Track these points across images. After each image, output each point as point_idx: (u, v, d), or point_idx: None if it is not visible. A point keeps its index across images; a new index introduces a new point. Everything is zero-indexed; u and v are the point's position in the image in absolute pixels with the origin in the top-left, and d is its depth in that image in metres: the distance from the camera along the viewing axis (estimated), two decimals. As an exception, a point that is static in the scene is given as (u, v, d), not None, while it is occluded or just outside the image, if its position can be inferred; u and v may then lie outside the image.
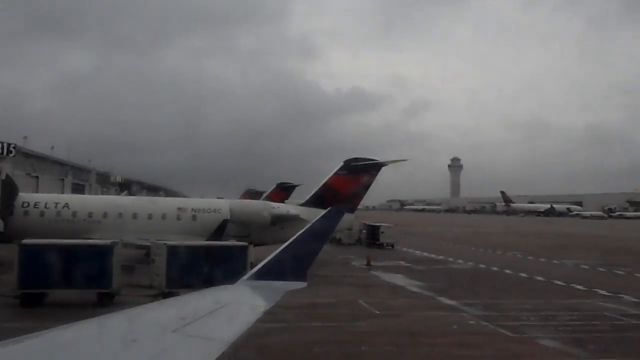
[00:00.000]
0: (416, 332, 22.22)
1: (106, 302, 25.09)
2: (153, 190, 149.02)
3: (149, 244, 31.85)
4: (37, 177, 69.13)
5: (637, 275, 41.42)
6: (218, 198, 50.65)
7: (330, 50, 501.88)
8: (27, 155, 68.18)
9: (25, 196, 41.44)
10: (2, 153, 44.33)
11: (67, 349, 4.31)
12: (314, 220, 10.09)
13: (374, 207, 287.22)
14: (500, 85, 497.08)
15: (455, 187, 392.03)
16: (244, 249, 28.65)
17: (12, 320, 22.18)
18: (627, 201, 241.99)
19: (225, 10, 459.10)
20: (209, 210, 42.25)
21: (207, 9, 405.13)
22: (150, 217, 41.20)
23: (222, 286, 8.11)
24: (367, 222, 67.01)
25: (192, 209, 42.56)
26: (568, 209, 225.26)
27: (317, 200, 42.78)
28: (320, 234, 10.31)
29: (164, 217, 41.42)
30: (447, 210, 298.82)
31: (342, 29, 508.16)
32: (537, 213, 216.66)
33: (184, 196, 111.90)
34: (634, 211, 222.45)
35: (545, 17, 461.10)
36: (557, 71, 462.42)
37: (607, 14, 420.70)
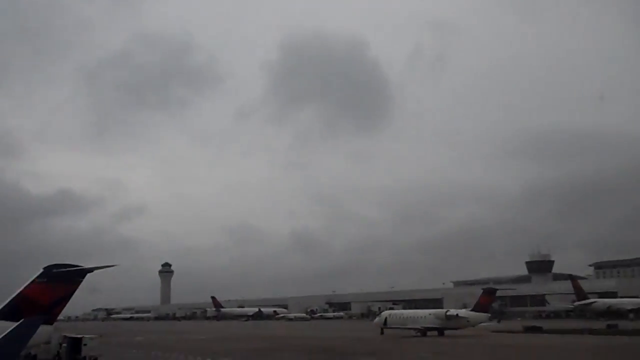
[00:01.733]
0: None
1: None
2: None
3: None
4: None
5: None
6: None
7: (35, 149, 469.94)
8: None
9: None
10: None
11: None
12: (4, 333, 9.08)
13: (76, 317, 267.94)
14: (212, 192, 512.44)
15: (166, 293, 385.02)
16: None
17: None
18: (327, 302, 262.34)
19: None
20: None
21: None
22: None
23: None
24: (68, 335, 61.83)
25: None
26: (274, 311, 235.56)
27: (10, 312, 38.29)
28: (12, 349, 9.29)
29: None
30: (156, 318, 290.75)
31: (50, 127, 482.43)
32: (246, 317, 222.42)
33: None
34: (333, 311, 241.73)
35: (256, 129, 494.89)
36: (266, 180, 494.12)
37: (310, 131, 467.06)
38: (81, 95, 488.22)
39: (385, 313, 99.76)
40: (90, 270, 43.60)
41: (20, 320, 9.53)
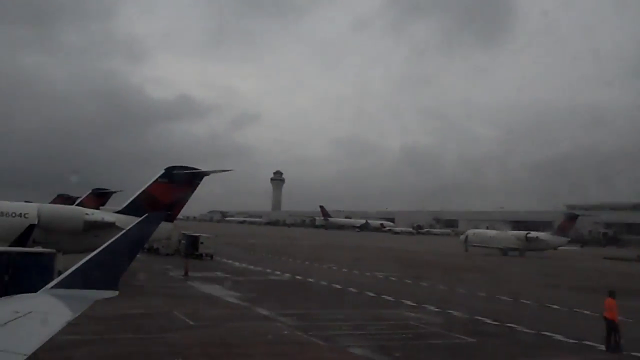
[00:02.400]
0: (230, 343, 22.19)
1: None
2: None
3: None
4: None
5: (439, 287, 44.79)
6: (26, 202, 46.89)
7: (159, 55, 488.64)
8: None
9: None
10: None
11: None
12: (128, 227, 9.76)
13: (194, 217, 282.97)
14: (325, 103, 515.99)
15: (277, 200, 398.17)
16: (50, 257, 26.84)
17: None
18: (434, 219, 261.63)
19: (47, 2, 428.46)
20: (13, 214, 39.02)
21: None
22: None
23: (21, 295, 7.57)
24: (187, 232, 65.93)
25: (-6, 212, 39.04)
26: (381, 224, 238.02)
27: (135, 208, 41.16)
28: (135, 242, 9.98)
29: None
30: (268, 223, 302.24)
31: (172, 34, 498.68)
32: (358, 229, 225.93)
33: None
34: (440, 228, 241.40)
35: (372, 41, 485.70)
36: (379, 94, 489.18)
37: (428, 44, 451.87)
38: (202, 3, 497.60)
39: (469, 232, 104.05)
40: (207, 173, 45.69)
41: (144, 215, 10.16)
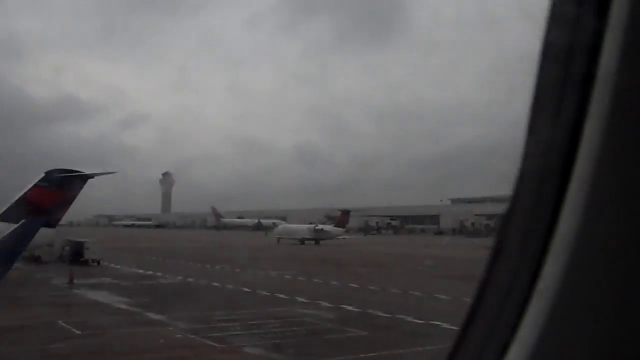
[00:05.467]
0: (121, 350, 21.49)
1: None
2: None
3: None
4: None
5: (332, 282, 45.44)
6: None
7: (41, 54, 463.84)
8: None
9: None
10: None
11: None
12: (5, 234, 9.18)
13: (79, 222, 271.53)
14: (216, 102, 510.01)
15: (167, 201, 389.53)
16: None
17: None
18: (326, 216, 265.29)
19: None
20: None
21: None
22: None
23: None
24: (71, 238, 63.08)
25: None
26: (274, 223, 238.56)
27: (11, 215, 38.77)
28: (12, 249, 9.43)
29: None
30: (157, 226, 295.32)
31: (57, 31, 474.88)
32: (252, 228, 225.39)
33: None
34: (331, 225, 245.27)
35: (265, 39, 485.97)
36: (272, 91, 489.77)
37: (321, 42, 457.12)
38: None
39: (279, 227, 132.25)
40: (92, 175, 43.87)
41: (21, 221, 9.59)
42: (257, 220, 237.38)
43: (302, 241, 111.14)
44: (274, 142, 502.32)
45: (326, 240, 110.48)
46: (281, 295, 36.81)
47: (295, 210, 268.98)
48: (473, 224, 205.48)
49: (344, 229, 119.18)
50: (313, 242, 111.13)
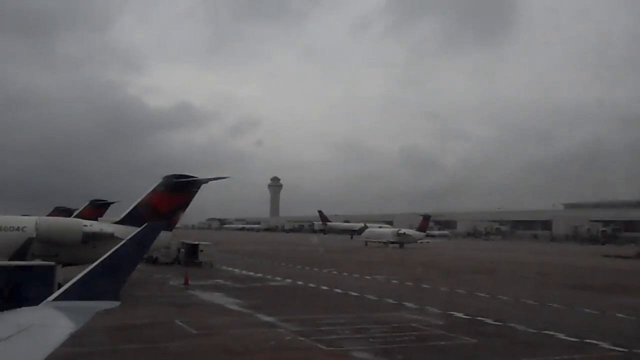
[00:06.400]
0: (233, 350, 22.10)
1: None
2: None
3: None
4: None
5: (441, 288, 44.71)
6: (24, 215, 46.75)
7: (156, 64, 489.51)
8: None
9: None
10: None
11: None
12: (128, 237, 9.70)
13: (193, 225, 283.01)
14: (323, 108, 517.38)
15: (275, 206, 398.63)
16: (50, 269, 26.72)
17: None
18: (432, 220, 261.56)
19: (43, 13, 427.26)
20: (11, 228, 38.91)
21: (20, 9, 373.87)
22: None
23: (23, 308, 7.49)
24: (186, 241, 65.82)
25: (-9, 227, 39.01)
26: (379, 227, 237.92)
27: (133, 218, 41.07)
28: (135, 252, 9.92)
29: (-43, 237, 37.59)
30: (266, 229, 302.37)
31: (170, 42, 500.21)
32: (351, 232, 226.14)
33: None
34: (438, 229, 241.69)
35: (371, 44, 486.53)
36: (379, 96, 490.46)
37: (428, 45, 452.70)
38: (199, 9, 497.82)
39: (367, 230, 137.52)
40: (205, 181, 45.61)
41: (144, 225, 10.10)
42: (362, 224, 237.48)
43: (386, 244, 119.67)
44: (380, 147, 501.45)
45: (409, 243, 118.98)
46: (389, 300, 36.67)
47: (401, 214, 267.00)
48: (588, 230, 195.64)
49: (425, 233, 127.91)
50: (397, 245, 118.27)
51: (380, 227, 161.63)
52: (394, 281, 49.40)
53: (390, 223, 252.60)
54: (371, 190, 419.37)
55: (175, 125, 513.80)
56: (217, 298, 37.21)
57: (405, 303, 35.17)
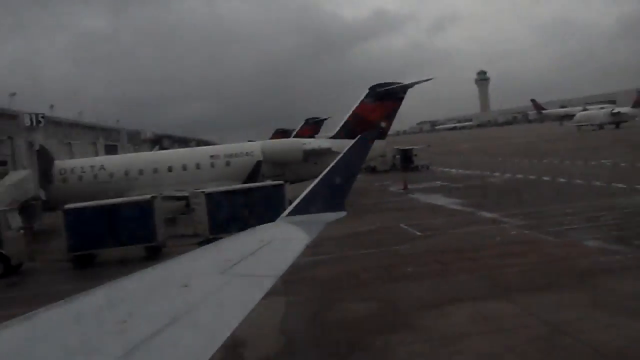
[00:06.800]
0: (459, 248, 22.37)
1: (154, 255, 25.63)
2: (184, 142, 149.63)
3: (187, 195, 32.49)
4: (69, 143, 70.09)
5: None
6: (249, 141, 50.83)
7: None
8: (57, 124, 68.66)
9: (61, 163, 42.45)
10: (32, 124, 44.64)
11: (125, 298, 4.48)
12: (344, 151, 10.10)
13: (404, 131, 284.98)
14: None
15: (484, 100, 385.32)
16: (280, 188, 29.02)
17: (66, 282, 23.05)
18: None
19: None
20: (241, 155, 42.64)
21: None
22: (184, 168, 41.81)
23: (263, 225, 8.24)
24: (399, 147, 66.72)
25: (225, 155, 42.98)
26: (602, 108, 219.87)
27: (346, 131, 42.60)
28: (353, 163, 10.33)
29: (198, 166, 41.98)
30: (478, 126, 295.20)
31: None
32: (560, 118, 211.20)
33: (215, 144, 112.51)
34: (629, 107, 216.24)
35: None
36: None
37: None
38: None
39: (577, 115, 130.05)
40: (410, 85, 45.53)
41: (357, 137, 10.43)
42: (581, 108, 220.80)
43: (600, 126, 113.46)
44: (586, 18, 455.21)
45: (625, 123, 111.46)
46: (619, 185, 34.19)
47: (625, 91, 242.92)
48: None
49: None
50: (613, 126, 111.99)
51: (601, 109, 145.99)
52: (623, 164, 45.72)
53: (612, 102, 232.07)
54: (587, 70, 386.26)
55: (373, 34, 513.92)
56: (437, 199, 37.60)
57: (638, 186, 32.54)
